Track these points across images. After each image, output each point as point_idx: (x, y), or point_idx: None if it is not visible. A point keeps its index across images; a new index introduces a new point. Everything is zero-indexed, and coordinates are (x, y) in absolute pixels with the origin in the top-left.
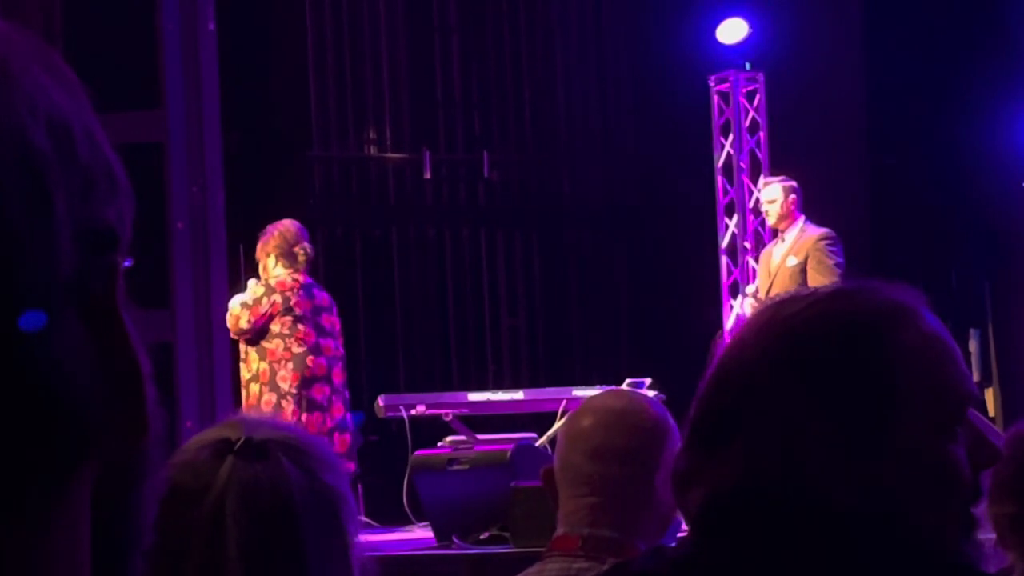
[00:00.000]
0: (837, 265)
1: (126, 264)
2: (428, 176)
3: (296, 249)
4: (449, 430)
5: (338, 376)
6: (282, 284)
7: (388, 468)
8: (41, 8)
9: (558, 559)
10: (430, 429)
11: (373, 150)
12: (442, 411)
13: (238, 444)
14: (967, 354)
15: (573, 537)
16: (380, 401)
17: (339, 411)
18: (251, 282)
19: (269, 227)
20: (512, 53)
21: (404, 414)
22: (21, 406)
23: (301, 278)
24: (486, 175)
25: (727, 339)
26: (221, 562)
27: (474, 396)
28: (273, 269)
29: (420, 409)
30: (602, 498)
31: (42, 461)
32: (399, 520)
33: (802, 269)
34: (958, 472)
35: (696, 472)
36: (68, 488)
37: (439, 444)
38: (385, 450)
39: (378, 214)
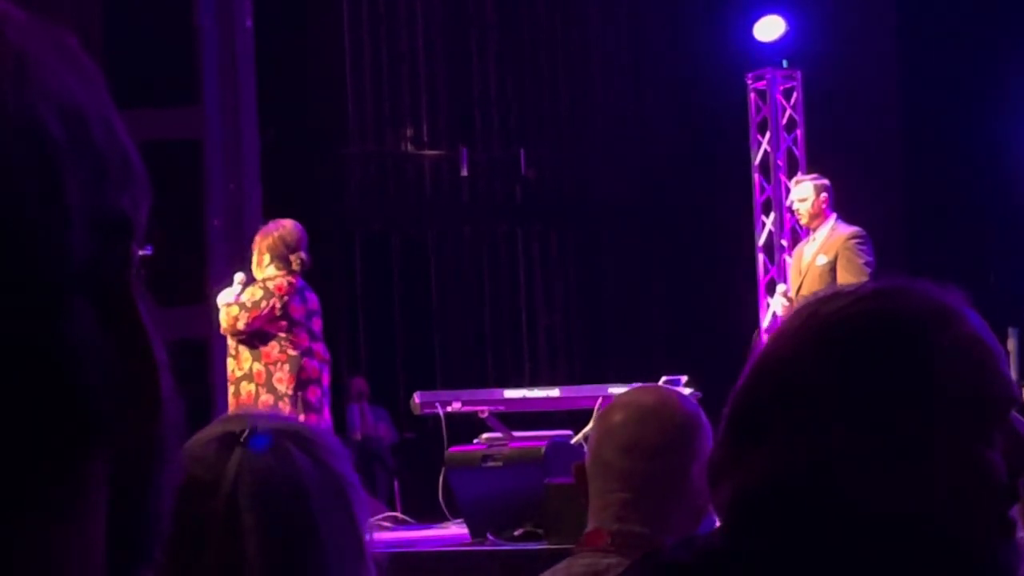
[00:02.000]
0: (867, 264)
1: (144, 253)
2: (465, 173)
3: (292, 257)
4: (485, 427)
5: (326, 379)
6: (279, 288)
7: (423, 465)
8: (80, 8)
9: (588, 554)
10: (466, 426)
11: (410, 147)
12: (478, 408)
13: (244, 435)
14: (1005, 353)
15: (603, 532)
16: (416, 398)
17: (327, 414)
18: (239, 276)
19: (272, 224)
20: (549, 50)
21: (440, 411)
22: (33, 392)
23: (295, 280)
24: (523, 172)
25: (767, 335)
26: (239, 552)
27: (510, 393)
28: (266, 267)
29: (456, 406)
30: (632, 494)
31: (55, 448)
32: (434, 516)
33: (832, 268)
34: (993, 476)
35: (729, 466)
36: (82, 475)
37: (474, 441)
38: (420, 447)
39: (414, 211)
